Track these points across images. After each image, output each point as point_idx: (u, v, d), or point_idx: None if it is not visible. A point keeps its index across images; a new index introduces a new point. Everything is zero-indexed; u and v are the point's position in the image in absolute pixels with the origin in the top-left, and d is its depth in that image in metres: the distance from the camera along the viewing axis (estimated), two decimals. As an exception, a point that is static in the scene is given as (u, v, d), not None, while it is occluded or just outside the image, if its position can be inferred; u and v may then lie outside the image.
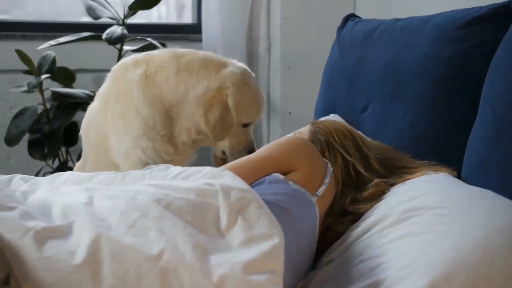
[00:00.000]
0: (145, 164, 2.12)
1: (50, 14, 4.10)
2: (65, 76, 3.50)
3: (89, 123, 2.26)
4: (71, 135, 3.46)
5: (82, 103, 3.40)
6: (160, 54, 2.19)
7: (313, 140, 2.02)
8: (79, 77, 3.57)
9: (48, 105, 3.42)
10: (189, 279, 1.33)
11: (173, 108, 2.13)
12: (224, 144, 2.18)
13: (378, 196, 1.93)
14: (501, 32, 2.05)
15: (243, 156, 2.01)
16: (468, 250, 1.55)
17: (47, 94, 3.45)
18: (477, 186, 1.89)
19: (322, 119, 2.43)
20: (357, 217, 1.91)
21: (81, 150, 3.49)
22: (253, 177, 1.78)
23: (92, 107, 2.28)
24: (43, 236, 1.35)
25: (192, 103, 2.12)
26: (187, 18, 4.28)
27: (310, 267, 1.85)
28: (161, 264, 1.34)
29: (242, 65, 2.24)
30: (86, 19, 4.15)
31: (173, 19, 4.33)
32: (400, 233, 1.68)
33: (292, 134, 2.17)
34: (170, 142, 2.15)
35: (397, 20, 2.50)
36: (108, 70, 3.55)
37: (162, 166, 1.78)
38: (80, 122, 3.48)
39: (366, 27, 2.62)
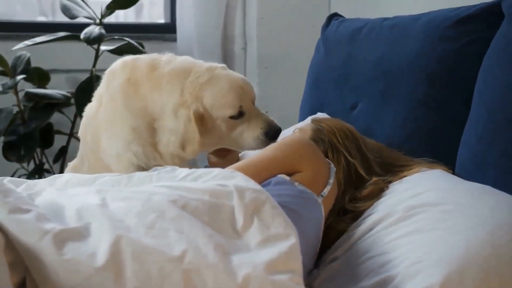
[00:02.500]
0: (137, 167, 2.10)
1: (4, 13, 3.98)
2: (39, 76, 3.44)
3: (86, 123, 2.23)
4: (47, 137, 3.40)
5: (59, 104, 3.35)
6: (142, 64, 2.13)
7: (315, 139, 2.03)
8: (53, 77, 3.51)
9: (21, 106, 3.36)
10: (213, 280, 1.33)
11: (156, 121, 2.11)
12: (237, 143, 2.14)
13: (377, 194, 1.95)
14: (491, 31, 2.09)
15: (266, 146, 1.99)
16: (477, 246, 1.58)
17: (20, 95, 3.38)
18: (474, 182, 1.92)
19: (319, 115, 2.44)
20: (356, 215, 1.93)
21: (58, 150, 3.48)
22: (258, 179, 1.76)
23: (89, 107, 2.25)
24: (62, 238, 1.34)
25: (170, 118, 2.09)
26: (145, 17, 4.26)
27: (312, 266, 1.85)
28: (184, 265, 1.33)
29: (207, 66, 2.15)
30: (42, 18, 4.09)
31: (131, 19, 4.29)
32: (407, 230, 1.71)
33: (292, 131, 2.17)
34: (156, 150, 2.13)
35: (384, 19, 2.52)
36: (83, 70, 3.53)
37: (169, 168, 1.77)
38: (56, 123, 3.47)
39: (352, 26, 2.64)
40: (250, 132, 2.10)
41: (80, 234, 1.37)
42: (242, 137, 2.11)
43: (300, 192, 1.80)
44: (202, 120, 2.07)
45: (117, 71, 2.17)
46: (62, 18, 3.92)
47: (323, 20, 3.02)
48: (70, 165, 2.33)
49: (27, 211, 1.38)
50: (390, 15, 2.60)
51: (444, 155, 2.11)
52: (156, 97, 2.10)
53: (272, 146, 1.94)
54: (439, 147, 2.17)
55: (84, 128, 2.24)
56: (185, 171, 1.73)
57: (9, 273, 1.30)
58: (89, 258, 1.31)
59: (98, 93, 2.21)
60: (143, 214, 1.43)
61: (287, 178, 1.83)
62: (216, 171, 1.69)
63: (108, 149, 2.14)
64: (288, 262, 1.42)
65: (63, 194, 1.58)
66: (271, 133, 2.10)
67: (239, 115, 2.10)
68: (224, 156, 2.32)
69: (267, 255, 1.41)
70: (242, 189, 1.55)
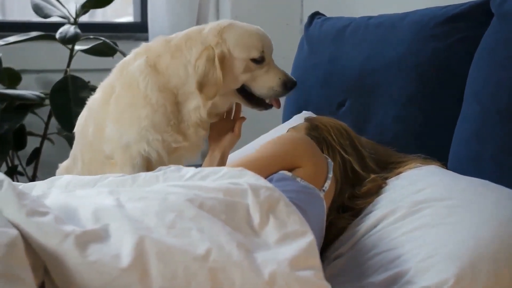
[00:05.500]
0: (145, 158, 2.07)
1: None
2: (10, 77, 3.36)
3: (88, 116, 2.18)
4: (19, 139, 3.33)
5: (33, 104, 3.29)
6: (155, 43, 2.15)
7: (310, 137, 2.03)
8: (24, 77, 3.44)
9: (-8, 107, 3.28)
10: (240, 278, 1.32)
11: (179, 91, 2.09)
12: (255, 89, 2.09)
13: (375, 191, 1.97)
14: (480, 29, 2.13)
15: (281, 95, 2.06)
16: (486, 239, 1.62)
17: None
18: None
19: (305, 114, 2.45)
20: (357, 212, 1.95)
21: (31, 152, 3.41)
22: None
23: (92, 100, 2.20)
24: (84, 240, 1.31)
25: (193, 77, 2.08)
26: (99, 16, 4.21)
27: (315, 262, 1.86)
28: (210, 264, 1.32)
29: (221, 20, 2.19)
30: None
31: (84, 18, 4.23)
32: (414, 225, 1.73)
33: (286, 130, 2.17)
34: (179, 131, 2.10)
35: (369, 17, 2.55)
36: (54, 70, 3.47)
37: (173, 167, 1.75)
38: (29, 124, 3.40)
39: (336, 24, 2.65)
40: (267, 79, 2.07)
41: (100, 235, 1.34)
42: (258, 82, 2.08)
43: (303, 187, 1.81)
44: (223, 62, 2.05)
45: (131, 59, 2.15)
46: (15, 18, 3.88)
47: (296, 19, 3.03)
48: (62, 166, 2.27)
49: (45, 213, 1.34)
50: (364, 14, 2.63)
51: (435, 152, 2.13)
52: (178, 61, 2.08)
53: (269, 143, 1.94)
54: (430, 144, 2.20)
55: (84, 121, 2.18)
56: (191, 170, 1.71)
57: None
58: (113, 259, 1.29)
59: (107, 84, 2.16)
60: (162, 214, 1.41)
61: (289, 174, 1.84)
62: (224, 170, 1.68)
63: (117, 139, 2.09)
64: (308, 259, 1.42)
65: (72, 196, 1.55)
66: (289, 84, 2.08)
67: (261, 59, 2.08)
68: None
69: (288, 252, 1.41)
70: (256, 187, 1.55)
